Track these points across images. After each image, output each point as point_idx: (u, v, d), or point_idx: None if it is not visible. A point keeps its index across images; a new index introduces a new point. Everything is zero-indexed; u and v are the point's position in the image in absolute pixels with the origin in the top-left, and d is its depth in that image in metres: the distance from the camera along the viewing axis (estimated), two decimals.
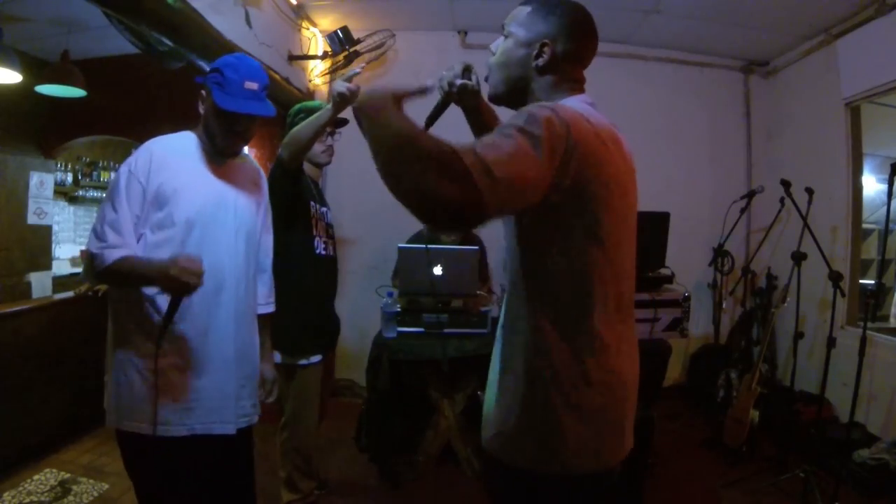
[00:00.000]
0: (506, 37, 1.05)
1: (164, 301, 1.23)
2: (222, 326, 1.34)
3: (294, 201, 1.94)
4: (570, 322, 0.92)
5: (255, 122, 1.35)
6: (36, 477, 2.40)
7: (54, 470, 2.47)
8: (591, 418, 0.93)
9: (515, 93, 1.05)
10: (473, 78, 1.13)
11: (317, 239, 2.03)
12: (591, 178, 0.88)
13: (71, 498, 2.27)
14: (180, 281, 1.15)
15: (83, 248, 1.29)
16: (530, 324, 0.94)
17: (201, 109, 1.32)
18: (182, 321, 1.26)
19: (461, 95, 1.14)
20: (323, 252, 2.07)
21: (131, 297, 1.27)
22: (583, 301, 0.92)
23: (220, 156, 1.35)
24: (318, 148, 2.08)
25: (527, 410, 0.94)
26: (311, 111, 2.02)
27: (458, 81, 1.11)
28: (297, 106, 2.16)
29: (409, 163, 0.78)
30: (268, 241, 1.62)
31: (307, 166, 2.10)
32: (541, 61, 1.01)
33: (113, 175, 1.39)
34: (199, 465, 1.33)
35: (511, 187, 0.78)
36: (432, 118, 1.15)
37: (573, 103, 0.97)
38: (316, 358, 2.04)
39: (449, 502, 2.45)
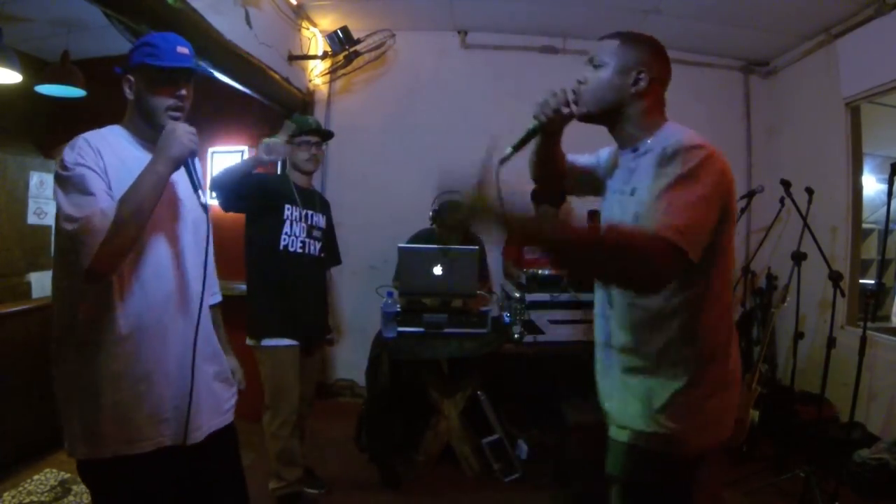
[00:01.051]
0: (596, 66, 1.18)
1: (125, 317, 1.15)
2: (182, 327, 1.26)
3: (251, 205, 2.20)
4: (718, 326, 1.13)
5: (191, 86, 1.29)
6: (36, 477, 2.40)
7: (54, 470, 2.46)
8: (729, 404, 1.16)
9: (609, 114, 1.20)
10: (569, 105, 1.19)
11: (285, 237, 2.23)
12: (729, 201, 1.09)
13: (71, 498, 2.27)
14: (183, 141, 1.16)
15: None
16: (684, 328, 1.10)
17: (130, 95, 1.24)
18: (139, 329, 1.19)
19: (558, 122, 1.21)
20: (298, 249, 2.26)
21: (83, 318, 1.17)
22: (724, 309, 1.15)
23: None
24: (301, 156, 2.30)
25: (686, 404, 1.10)
26: (301, 125, 2.30)
27: (565, 110, 1.18)
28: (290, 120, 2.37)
29: (621, 266, 0.99)
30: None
31: (294, 173, 2.34)
32: (639, 87, 1.15)
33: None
34: (181, 476, 1.27)
35: (701, 233, 1.00)
36: (522, 144, 1.20)
37: (688, 133, 1.11)
38: (283, 341, 2.18)
39: (449, 502, 2.45)
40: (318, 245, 2.35)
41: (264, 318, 2.19)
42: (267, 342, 2.17)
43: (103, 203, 1.10)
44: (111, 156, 1.17)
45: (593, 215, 2.78)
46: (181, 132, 1.17)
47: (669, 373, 1.12)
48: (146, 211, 1.13)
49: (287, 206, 2.23)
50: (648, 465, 1.15)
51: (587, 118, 1.21)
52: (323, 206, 2.44)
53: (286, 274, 2.23)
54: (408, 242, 3.03)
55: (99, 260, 1.06)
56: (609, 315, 1.23)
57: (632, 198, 1.15)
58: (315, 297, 2.36)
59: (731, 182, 1.08)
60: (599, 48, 1.19)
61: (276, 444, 2.18)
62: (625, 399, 1.19)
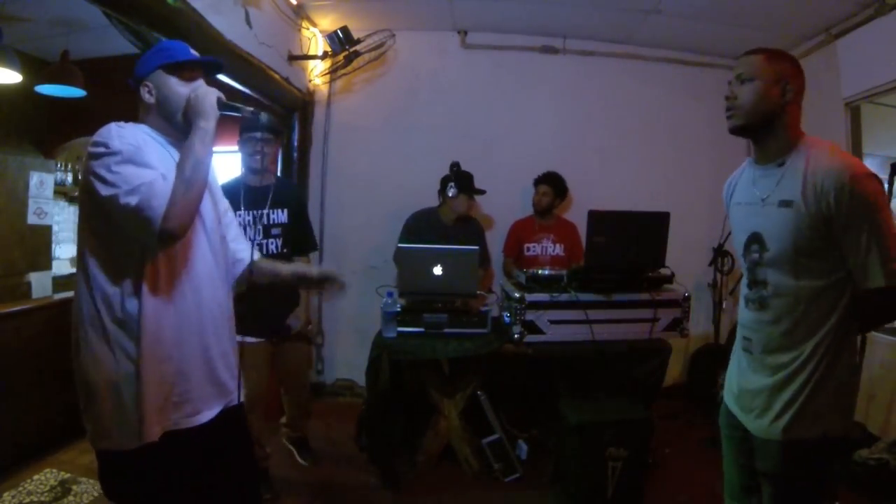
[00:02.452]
0: (744, 81, 1.30)
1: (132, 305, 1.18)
2: (198, 313, 1.30)
3: None
4: (850, 322, 1.25)
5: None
6: (36, 477, 2.40)
7: (54, 470, 2.47)
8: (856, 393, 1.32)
9: (764, 124, 1.30)
10: None
11: None
12: None
13: (71, 498, 2.27)
14: (210, 97, 1.23)
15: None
16: (835, 326, 1.23)
17: (150, 100, 1.28)
18: (159, 316, 1.21)
19: None
20: (255, 255, 2.30)
21: (99, 308, 1.20)
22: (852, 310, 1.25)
23: (183, 135, 1.27)
24: (246, 152, 2.35)
25: (835, 393, 1.24)
26: (248, 122, 2.36)
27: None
28: None
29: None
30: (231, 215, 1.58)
31: (247, 174, 2.39)
32: (788, 97, 1.28)
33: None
34: (192, 459, 1.30)
35: None
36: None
37: (847, 155, 1.28)
38: (246, 339, 2.21)
39: (449, 502, 2.45)
40: (279, 241, 2.39)
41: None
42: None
43: (161, 169, 1.16)
44: (143, 143, 1.21)
45: (593, 215, 2.78)
46: (204, 90, 1.25)
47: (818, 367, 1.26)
48: (206, 164, 1.20)
49: (235, 212, 2.27)
50: (808, 457, 1.27)
51: (741, 130, 1.33)
52: (282, 199, 2.42)
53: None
54: (409, 221, 3.08)
55: (170, 220, 1.10)
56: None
57: (787, 209, 1.26)
58: (279, 294, 2.39)
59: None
60: (744, 63, 1.31)
61: None
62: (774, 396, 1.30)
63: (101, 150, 1.14)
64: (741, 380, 1.41)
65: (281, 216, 2.42)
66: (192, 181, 1.15)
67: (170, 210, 1.11)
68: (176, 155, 1.26)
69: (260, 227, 2.33)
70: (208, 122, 1.22)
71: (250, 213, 2.33)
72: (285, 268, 1.63)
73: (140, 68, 1.30)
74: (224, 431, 1.35)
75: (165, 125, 1.30)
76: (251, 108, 1.37)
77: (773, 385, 1.29)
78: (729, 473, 1.49)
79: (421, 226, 3.06)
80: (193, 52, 1.34)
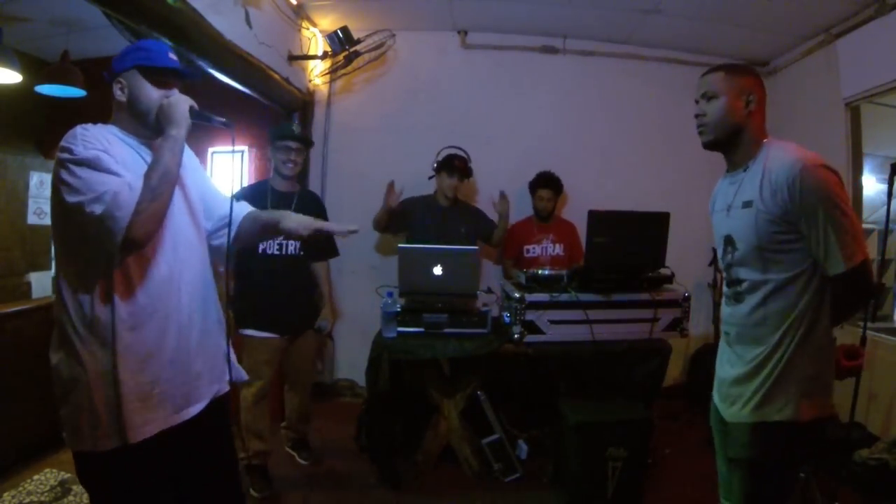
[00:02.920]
0: (709, 98, 1.39)
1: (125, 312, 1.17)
2: (183, 308, 1.28)
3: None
4: (820, 311, 1.29)
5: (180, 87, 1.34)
6: (36, 477, 2.40)
7: (54, 470, 2.47)
8: (832, 375, 1.34)
9: (730, 137, 1.38)
10: None
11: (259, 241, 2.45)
12: None
13: (71, 498, 2.27)
14: (183, 106, 1.22)
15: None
16: (801, 315, 1.28)
17: (122, 97, 1.26)
18: (134, 318, 1.19)
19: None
20: (275, 251, 2.50)
21: (77, 307, 1.18)
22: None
23: (154, 135, 1.27)
24: (280, 160, 2.52)
25: (804, 378, 1.28)
26: (281, 130, 2.61)
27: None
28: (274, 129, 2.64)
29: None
30: (224, 204, 1.50)
31: (276, 178, 2.57)
32: (751, 108, 1.36)
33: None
34: (173, 455, 1.28)
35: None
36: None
37: (801, 149, 1.31)
38: (259, 333, 2.44)
39: (449, 502, 2.45)
40: (297, 244, 2.53)
41: (245, 313, 2.46)
42: (245, 332, 2.46)
43: (127, 177, 1.14)
44: (109, 146, 1.19)
45: (593, 215, 2.78)
46: (176, 98, 1.25)
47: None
48: (174, 173, 1.19)
49: None
50: (775, 440, 1.31)
51: (713, 145, 1.42)
52: (305, 205, 2.53)
53: (264, 274, 2.48)
54: (402, 204, 3.11)
55: (135, 228, 1.10)
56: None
57: (748, 209, 1.32)
58: (295, 292, 2.55)
59: None
60: (707, 82, 1.40)
61: (246, 415, 2.46)
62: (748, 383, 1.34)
63: (66, 156, 1.13)
64: (721, 372, 1.47)
65: None
66: (158, 191, 1.15)
67: (134, 220, 1.10)
68: (147, 155, 1.25)
69: None
70: (179, 131, 1.21)
71: None
72: (270, 218, 1.49)
73: (116, 63, 1.28)
74: (205, 423, 1.33)
75: (135, 125, 1.28)
76: (223, 119, 1.33)
77: (746, 374, 1.35)
78: (721, 471, 1.50)
79: (417, 206, 3.12)
80: (173, 57, 1.31)
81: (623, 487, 2.29)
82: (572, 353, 2.51)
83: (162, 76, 1.28)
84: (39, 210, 3.24)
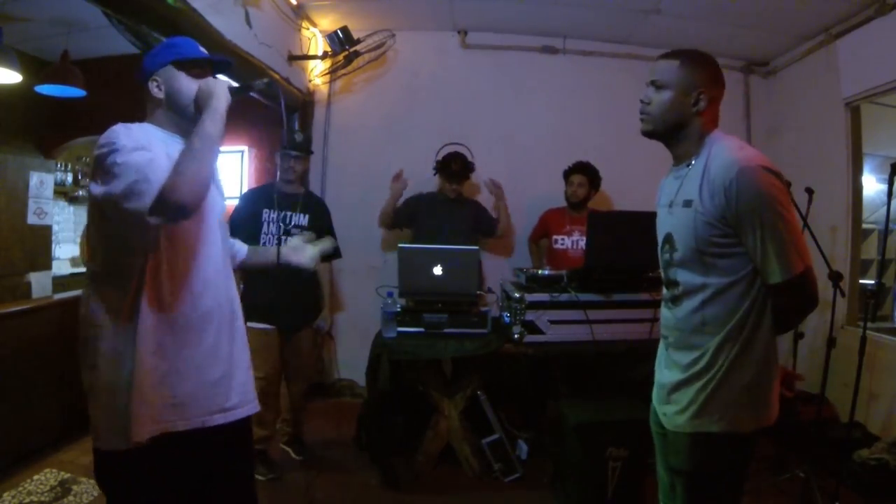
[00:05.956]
0: (658, 87, 1.29)
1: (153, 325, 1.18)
2: (205, 317, 1.30)
3: (242, 214, 2.61)
4: (761, 318, 1.22)
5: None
6: (36, 477, 2.40)
7: (54, 470, 2.47)
8: (774, 385, 1.28)
9: (672, 131, 1.30)
10: None
11: (263, 236, 2.57)
12: None
13: (71, 498, 2.27)
14: (221, 85, 1.24)
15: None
16: (741, 322, 1.21)
17: (160, 94, 1.28)
18: (159, 323, 1.20)
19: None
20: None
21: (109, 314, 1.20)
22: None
23: (195, 126, 1.25)
24: (282, 167, 2.63)
25: (743, 388, 1.22)
26: (286, 139, 2.67)
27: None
28: None
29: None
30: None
31: (280, 182, 2.67)
32: (700, 106, 1.25)
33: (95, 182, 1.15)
34: (190, 462, 1.29)
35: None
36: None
37: (744, 148, 1.21)
38: (259, 325, 2.47)
39: (449, 502, 2.45)
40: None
41: (247, 308, 2.39)
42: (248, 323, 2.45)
43: (168, 150, 1.17)
44: (149, 143, 1.19)
45: (593, 215, 2.79)
46: (214, 80, 1.27)
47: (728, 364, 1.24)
48: (215, 140, 1.19)
49: (265, 210, 2.59)
50: (714, 451, 1.25)
51: (651, 135, 1.34)
52: (308, 207, 2.67)
53: (268, 273, 2.47)
54: (406, 203, 3.19)
55: (176, 189, 1.07)
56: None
57: (688, 209, 1.24)
58: (294, 288, 2.57)
59: None
60: (660, 68, 1.30)
61: None
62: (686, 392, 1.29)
63: (107, 149, 1.12)
64: (660, 376, 1.44)
65: (302, 220, 2.65)
66: (200, 153, 1.14)
67: (175, 180, 1.08)
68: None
69: (282, 225, 2.61)
70: (219, 102, 1.22)
71: (275, 212, 2.61)
72: (271, 257, 1.74)
73: (149, 63, 1.30)
74: (228, 442, 1.34)
75: (174, 120, 1.30)
76: (264, 80, 1.40)
77: (682, 380, 1.29)
78: (660, 476, 1.48)
79: (422, 201, 3.21)
80: (202, 49, 1.36)
81: (623, 487, 2.29)
82: (572, 353, 2.51)
83: (198, 67, 1.31)
84: (39, 210, 3.24)
